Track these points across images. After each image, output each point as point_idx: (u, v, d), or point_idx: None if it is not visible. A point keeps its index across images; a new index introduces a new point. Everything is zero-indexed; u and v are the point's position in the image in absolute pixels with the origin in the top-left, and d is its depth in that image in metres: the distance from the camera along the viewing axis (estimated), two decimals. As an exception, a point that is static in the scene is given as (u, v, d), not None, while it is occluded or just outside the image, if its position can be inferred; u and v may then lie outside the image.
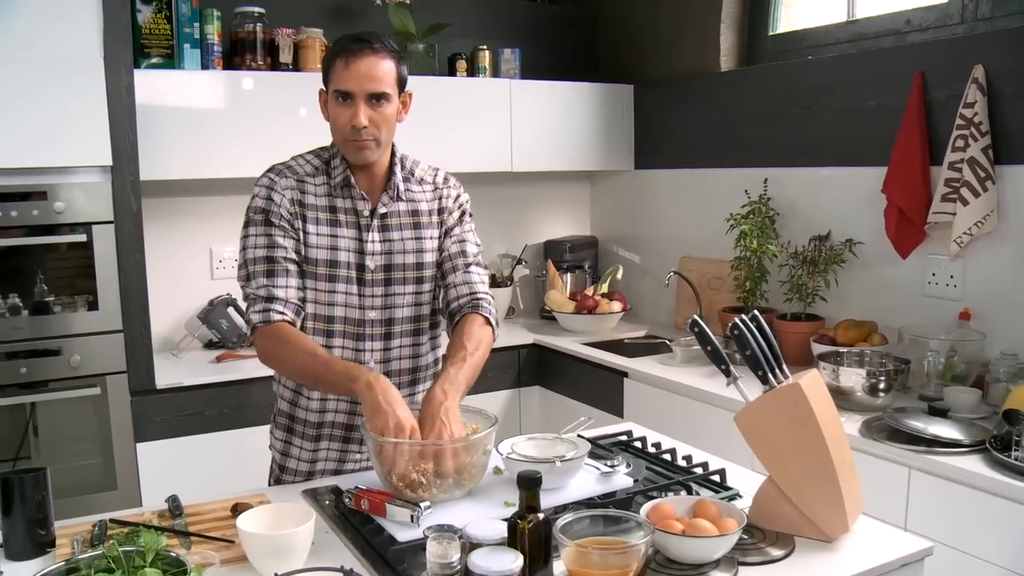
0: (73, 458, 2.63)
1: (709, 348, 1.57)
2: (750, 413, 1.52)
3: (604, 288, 3.73)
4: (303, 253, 1.72)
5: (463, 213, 1.89)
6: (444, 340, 1.94)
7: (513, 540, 1.20)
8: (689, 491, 1.62)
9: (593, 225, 4.21)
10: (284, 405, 1.83)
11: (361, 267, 1.76)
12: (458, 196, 1.88)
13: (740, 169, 3.25)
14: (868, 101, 2.74)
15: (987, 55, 2.38)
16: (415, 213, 1.81)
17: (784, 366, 1.54)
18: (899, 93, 2.61)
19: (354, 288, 1.75)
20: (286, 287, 1.69)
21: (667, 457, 1.82)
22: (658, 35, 3.70)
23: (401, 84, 1.73)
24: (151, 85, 2.78)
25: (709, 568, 1.35)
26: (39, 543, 1.43)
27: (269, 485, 1.90)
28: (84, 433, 2.64)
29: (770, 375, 1.51)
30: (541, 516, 1.19)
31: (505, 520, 1.38)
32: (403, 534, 1.39)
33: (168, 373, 2.82)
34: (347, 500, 1.49)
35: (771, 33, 3.32)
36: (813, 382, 1.51)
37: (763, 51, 3.35)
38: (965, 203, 2.35)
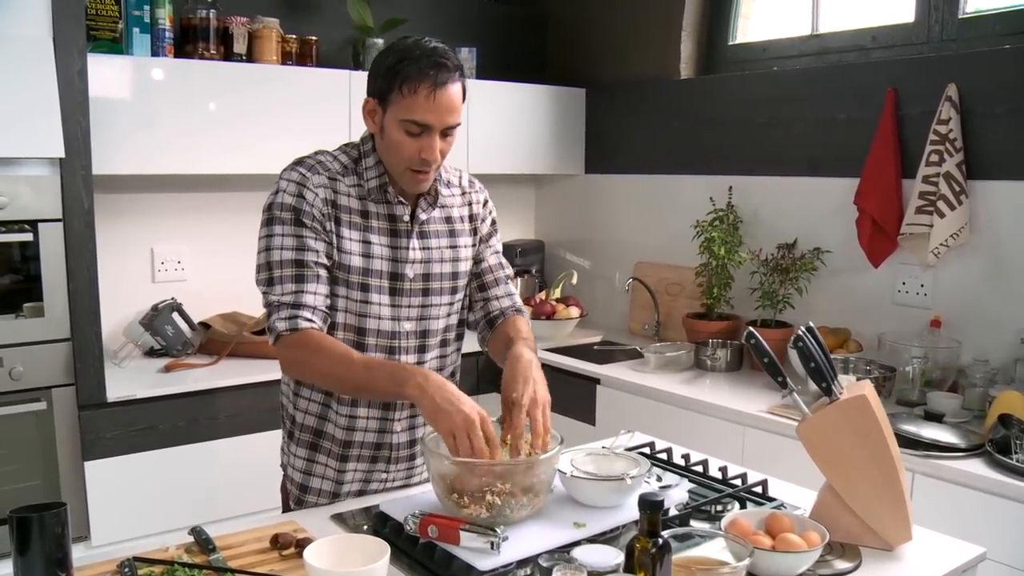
0: (8, 479, 2.37)
1: (766, 360, 1.56)
2: (812, 425, 1.51)
3: (556, 293, 3.69)
4: (336, 259, 1.60)
5: (494, 221, 1.84)
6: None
7: (630, 564, 1.15)
8: (743, 504, 1.61)
9: (538, 229, 4.17)
10: (310, 420, 1.70)
11: (395, 276, 1.65)
12: (487, 201, 1.83)
13: (701, 176, 3.28)
14: (838, 114, 2.82)
15: (960, 75, 2.48)
16: (449, 220, 1.73)
17: (839, 377, 1.55)
18: (869, 107, 2.70)
19: (387, 299, 1.65)
20: (315, 293, 1.57)
21: (699, 469, 1.80)
22: (612, 40, 3.70)
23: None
24: (97, 70, 2.53)
25: (793, 583, 1.34)
26: (59, 587, 1.27)
27: (288, 506, 1.76)
28: (24, 451, 2.39)
29: (833, 387, 1.51)
30: (660, 540, 1.14)
31: (585, 540, 1.34)
32: (483, 563, 1.30)
33: (116, 385, 2.58)
34: (409, 527, 1.38)
35: (730, 43, 3.37)
36: (872, 394, 1.53)
37: (722, 60, 3.40)
38: (942, 215, 2.45)
